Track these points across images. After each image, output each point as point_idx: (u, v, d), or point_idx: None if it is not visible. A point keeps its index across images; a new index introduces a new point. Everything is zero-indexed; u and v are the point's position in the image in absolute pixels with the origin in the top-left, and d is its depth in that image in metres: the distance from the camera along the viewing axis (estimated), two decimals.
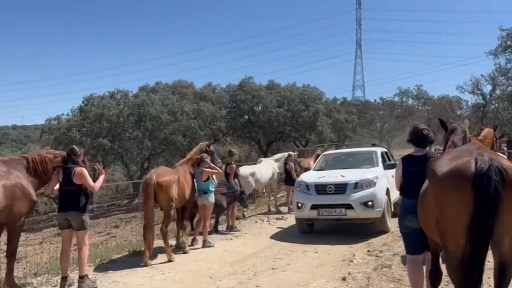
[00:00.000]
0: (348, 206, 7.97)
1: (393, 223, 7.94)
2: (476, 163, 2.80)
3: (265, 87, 28.69)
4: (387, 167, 8.81)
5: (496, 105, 26.05)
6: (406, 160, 4.26)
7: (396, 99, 42.33)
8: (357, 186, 8.06)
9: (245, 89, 27.24)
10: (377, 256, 6.57)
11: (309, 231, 8.76)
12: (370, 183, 8.10)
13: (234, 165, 10.05)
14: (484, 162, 2.77)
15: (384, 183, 8.41)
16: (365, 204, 7.94)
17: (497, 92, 25.91)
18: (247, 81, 28.28)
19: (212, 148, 8.48)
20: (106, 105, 23.20)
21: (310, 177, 8.98)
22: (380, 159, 9.29)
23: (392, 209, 8.66)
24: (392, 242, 7.38)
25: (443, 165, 3.01)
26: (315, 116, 27.32)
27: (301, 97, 27.84)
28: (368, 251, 6.97)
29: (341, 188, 8.13)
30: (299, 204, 8.46)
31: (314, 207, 8.20)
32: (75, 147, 5.83)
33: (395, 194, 8.50)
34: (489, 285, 4.47)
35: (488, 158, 2.81)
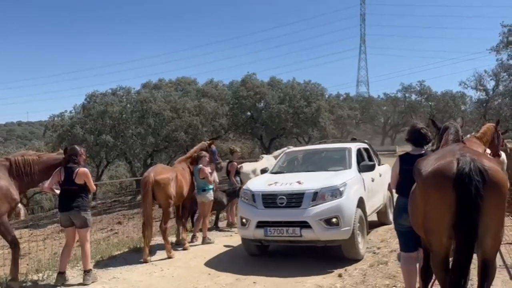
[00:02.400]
0: (304, 225, 5.93)
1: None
2: (458, 164, 2.86)
3: (267, 83, 28.75)
4: (363, 168, 6.95)
5: (499, 100, 25.97)
6: (404, 158, 4.31)
7: (399, 95, 42.25)
8: (316, 196, 6.01)
9: (247, 86, 27.33)
10: (374, 253, 6.62)
11: (259, 254, 6.82)
12: (335, 193, 6.08)
13: (235, 163, 10.11)
14: (466, 163, 2.83)
15: (356, 191, 6.46)
16: (327, 221, 5.91)
17: (500, 88, 25.86)
18: (250, 77, 28.34)
19: (213, 147, 8.53)
20: (109, 102, 23.33)
21: (258, 183, 6.82)
22: (354, 158, 7.18)
23: (367, 226, 6.85)
24: (390, 238, 7.41)
25: (428, 165, 3.08)
26: (317, 112, 27.37)
27: (303, 93, 27.89)
28: (366, 247, 7.00)
29: (295, 199, 6.09)
30: (243, 220, 6.41)
31: (260, 224, 6.16)
32: (76, 147, 5.92)
33: (374, 204, 7.55)
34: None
35: (470, 158, 2.87)
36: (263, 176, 7.59)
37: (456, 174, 2.82)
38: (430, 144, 5.76)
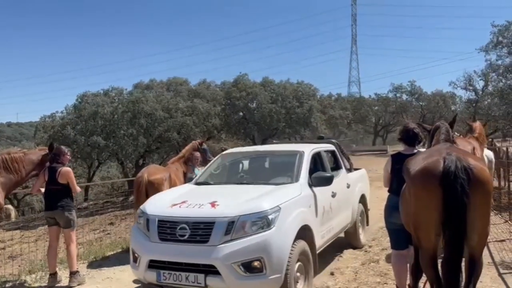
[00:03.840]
0: (212, 270, 4.10)
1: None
2: (444, 162, 2.94)
3: (259, 84, 28.82)
4: (316, 182, 5.12)
5: (489, 100, 26.28)
6: (395, 157, 4.38)
7: (390, 95, 42.53)
8: (233, 227, 4.12)
9: (239, 86, 27.36)
10: (366, 251, 6.72)
11: None
12: (262, 222, 4.18)
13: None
14: (452, 161, 2.92)
15: (296, 217, 4.51)
16: (245, 266, 4.06)
17: (489, 88, 26.15)
18: (242, 78, 28.39)
19: (204, 146, 8.57)
20: (100, 102, 23.21)
21: (160, 202, 4.87)
22: (305, 167, 5.29)
23: (316, 265, 4.97)
24: (381, 237, 7.51)
25: (416, 164, 3.18)
26: (309, 112, 27.49)
27: (295, 93, 28.00)
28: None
29: (202, 231, 4.20)
30: (135, 255, 4.59)
31: (153, 264, 4.37)
32: (61, 147, 5.98)
33: (335, 227, 5.78)
34: None
35: (455, 157, 2.95)
36: (177, 189, 5.73)
37: (442, 172, 2.90)
38: (421, 144, 5.86)
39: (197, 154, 7.96)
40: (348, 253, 6.67)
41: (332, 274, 5.63)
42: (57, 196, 5.55)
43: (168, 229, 4.34)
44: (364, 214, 7.36)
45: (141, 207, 4.92)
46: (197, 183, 5.70)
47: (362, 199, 7.22)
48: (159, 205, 4.74)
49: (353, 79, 69.40)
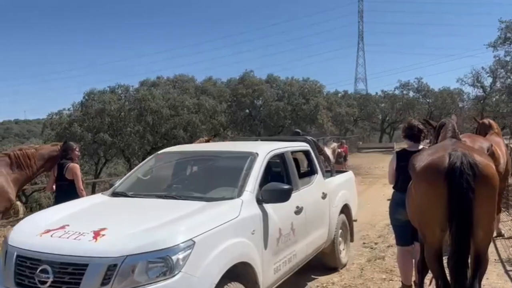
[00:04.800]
0: None
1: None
2: (449, 158, 2.94)
3: (265, 81, 28.81)
4: (268, 196, 3.73)
5: (497, 97, 26.09)
6: (400, 154, 4.38)
7: (397, 92, 42.29)
8: (114, 273, 2.74)
9: (245, 83, 27.37)
10: (372, 248, 6.71)
11: None
12: (162, 265, 2.82)
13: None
14: (457, 157, 2.92)
15: (225, 252, 3.17)
16: None
17: (498, 84, 25.97)
18: (248, 75, 28.39)
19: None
20: (107, 100, 23.34)
21: (31, 226, 3.37)
22: (255, 175, 3.92)
23: None
24: (387, 234, 7.50)
25: (421, 160, 3.18)
26: (315, 110, 27.42)
27: (301, 90, 27.95)
28: (363, 243, 7.10)
29: (70, 276, 2.81)
30: None
31: None
32: (71, 143, 6.00)
33: (300, 253, 4.39)
34: None
35: (461, 153, 2.95)
36: (72, 204, 4.10)
37: (448, 168, 2.90)
38: (428, 141, 5.84)
39: None
40: (354, 250, 6.66)
41: (337, 270, 5.64)
42: (66, 192, 5.58)
43: (27, 270, 2.90)
44: (347, 228, 5.87)
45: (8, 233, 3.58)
46: (114, 193, 4.17)
47: (346, 210, 5.76)
48: (27, 230, 3.22)
49: (360, 76, 68.97)
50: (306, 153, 5.34)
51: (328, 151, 15.87)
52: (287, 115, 26.94)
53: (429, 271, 3.94)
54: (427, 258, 3.14)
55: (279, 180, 4.24)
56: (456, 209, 2.84)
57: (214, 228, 3.11)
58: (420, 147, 4.32)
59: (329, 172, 6.09)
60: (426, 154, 3.26)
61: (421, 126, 4.42)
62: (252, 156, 4.12)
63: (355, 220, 6.32)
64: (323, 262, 5.51)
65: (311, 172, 5.25)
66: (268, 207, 3.76)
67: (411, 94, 42.24)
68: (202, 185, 4.28)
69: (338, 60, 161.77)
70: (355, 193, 6.46)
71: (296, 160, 5.11)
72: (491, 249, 3.87)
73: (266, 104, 26.71)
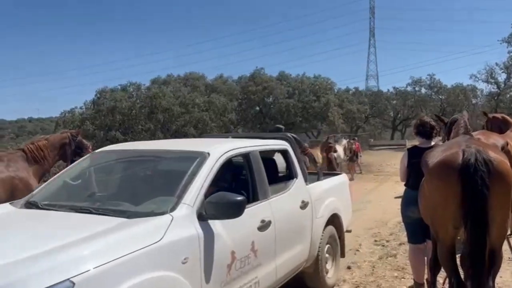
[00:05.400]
0: None
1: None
2: (463, 155, 2.90)
3: (275, 78, 28.78)
4: (215, 210, 2.87)
5: (511, 93, 25.71)
6: (412, 151, 4.34)
7: (409, 88, 41.92)
8: None
9: (256, 81, 27.38)
10: (383, 246, 6.67)
11: None
12: None
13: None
14: (471, 154, 2.87)
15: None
16: None
17: None
18: (258, 72, 28.39)
19: None
20: (118, 98, 23.53)
21: None
22: (200, 182, 3.03)
23: None
24: (399, 232, 7.44)
25: (435, 156, 3.14)
26: (326, 107, 27.33)
27: (312, 87, 27.88)
28: (375, 240, 7.06)
29: None
30: None
31: None
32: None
33: (261, 281, 3.45)
34: None
35: (475, 149, 2.91)
36: None
37: (461, 165, 2.86)
38: (440, 138, 5.77)
39: None
40: (365, 248, 6.63)
41: (349, 268, 5.60)
42: None
43: None
44: (337, 242, 4.95)
45: None
46: (27, 203, 3.36)
47: (335, 220, 4.85)
48: None
49: (371, 72, 68.57)
50: (283, 153, 4.43)
51: (339, 148, 15.88)
52: (297, 112, 26.90)
53: (442, 269, 3.91)
54: (440, 256, 3.10)
55: (241, 187, 3.63)
56: (471, 207, 2.80)
57: (114, 260, 2.25)
58: (432, 144, 4.27)
59: (314, 174, 5.18)
60: (439, 151, 3.21)
61: (433, 123, 4.36)
62: (201, 158, 3.23)
63: (349, 231, 5.52)
64: (304, 283, 4.57)
65: (289, 176, 4.32)
66: (217, 224, 2.91)
67: (423, 90, 41.86)
68: (133, 194, 3.42)
69: (349, 57, 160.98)
70: (349, 199, 5.54)
71: (272, 162, 4.43)
72: (504, 247, 3.81)
73: (277, 102, 26.72)
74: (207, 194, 2.97)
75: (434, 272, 3.86)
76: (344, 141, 17.91)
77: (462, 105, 37.00)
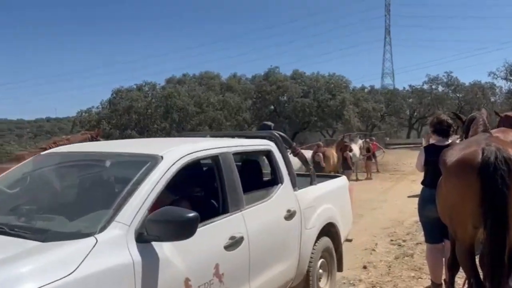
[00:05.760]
0: None
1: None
2: (483, 153, 2.84)
3: (290, 77, 28.70)
4: (159, 230, 2.26)
5: None
6: (428, 149, 4.28)
7: (425, 86, 41.37)
8: None
9: (270, 80, 27.36)
10: (400, 245, 6.60)
11: None
12: None
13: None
14: (491, 152, 2.82)
15: None
16: None
17: None
18: (272, 71, 28.36)
19: None
20: (134, 97, 23.78)
21: None
22: (150, 193, 2.44)
23: None
24: (416, 231, 7.36)
25: (453, 155, 3.09)
26: (341, 105, 27.15)
27: (327, 86, 27.71)
28: (391, 240, 6.99)
29: None
30: None
31: None
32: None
33: None
34: None
35: (495, 148, 2.85)
36: None
37: (481, 163, 2.81)
38: (457, 136, 5.69)
39: None
40: (381, 247, 6.57)
41: (364, 267, 5.56)
42: None
43: None
44: (333, 255, 4.34)
45: None
46: None
47: (331, 230, 4.29)
48: None
49: (387, 70, 67.76)
50: (266, 154, 3.83)
51: (355, 147, 15.76)
52: (312, 111, 26.78)
53: (460, 269, 3.85)
54: (458, 256, 3.05)
55: (206, 197, 3.21)
56: (490, 206, 2.75)
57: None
58: (449, 142, 4.21)
59: (307, 176, 4.53)
60: (457, 149, 3.16)
61: (450, 121, 4.30)
62: (152, 162, 2.63)
63: (350, 240, 4.99)
64: None
65: (273, 181, 3.75)
66: (165, 246, 2.33)
67: (440, 88, 41.25)
68: (69, 207, 2.86)
69: (365, 55, 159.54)
70: (349, 205, 4.94)
71: (255, 165, 3.97)
72: None
73: (291, 100, 26.63)
74: (162, 206, 2.42)
75: (452, 273, 3.81)
76: (360, 141, 17.78)
77: (480, 103, 36.36)
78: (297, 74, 29.57)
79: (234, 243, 2.86)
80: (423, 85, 41.57)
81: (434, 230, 4.09)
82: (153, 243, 2.30)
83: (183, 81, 31.18)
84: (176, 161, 2.71)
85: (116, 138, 22.19)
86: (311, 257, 3.89)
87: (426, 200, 4.08)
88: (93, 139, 6.09)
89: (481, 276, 3.03)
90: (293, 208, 3.68)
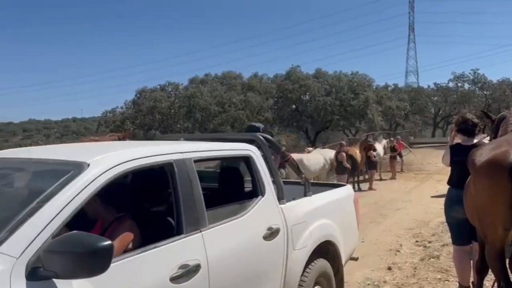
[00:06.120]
0: None
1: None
2: None
3: (312, 75, 28.55)
4: (59, 265, 1.68)
5: None
6: (454, 149, 4.20)
7: (451, 84, 40.52)
8: None
9: (292, 79, 27.29)
10: (425, 247, 6.49)
11: None
12: None
13: (278, 155, 10.13)
14: None
15: None
16: None
17: None
18: (294, 70, 28.27)
19: None
20: (157, 97, 24.11)
21: None
22: (58, 213, 1.86)
23: None
24: (442, 232, 7.22)
25: (483, 155, 3.01)
26: (365, 104, 26.85)
27: (350, 84, 27.45)
28: (416, 241, 6.88)
29: None
30: None
31: None
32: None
33: None
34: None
35: None
36: None
37: None
38: (485, 135, 5.56)
39: None
40: (406, 248, 6.48)
41: (389, 269, 5.49)
42: None
43: None
44: (331, 279, 3.69)
45: None
46: None
47: (330, 249, 3.66)
48: None
49: (411, 68, 66.65)
50: (245, 161, 3.18)
51: (378, 146, 15.57)
52: (335, 110, 26.57)
53: (489, 272, 3.76)
54: (488, 259, 2.97)
55: (152, 215, 2.64)
56: None
57: None
58: (474, 141, 4.12)
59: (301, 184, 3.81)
60: (487, 149, 3.08)
61: (475, 120, 4.20)
62: (75, 171, 2.10)
63: (355, 259, 4.34)
64: None
65: (252, 193, 3.13)
66: (75, 284, 1.80)
67: (466, 86, 40.34)
68: None
69: (388, 52, 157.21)
70: (353, 219, 4.22)
71: (235, 173, 3.39)
72: None
73: (313, 100, 26.48)
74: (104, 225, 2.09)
75: (481, 276, 3.72)
76: (384, 141, 17.55)
77: (508, 101, 35.41)
78: (320, 73, 29.39)
79: (185, 273, 2.28)
80: (448, 82, 40.77)
81: (462, 231, 4.01)
82: (56, 280, 1.73)
83: (205, 81, 31.41)
84: (107, 170, 2.13)
85: (140, 139, 22.56)
86: (300, 285, 3.22)
87: (453, 201, 4.00)
88: (120, 140, 6.18)
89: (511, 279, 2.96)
90: (276, 225, 3.08)
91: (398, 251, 6.34)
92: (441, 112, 44.35)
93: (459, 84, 40.24)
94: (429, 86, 44.38)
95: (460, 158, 4.05)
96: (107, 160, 2.21)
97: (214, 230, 2.58)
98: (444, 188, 4.37)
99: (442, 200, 4.30)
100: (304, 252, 3.27)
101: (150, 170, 2.48)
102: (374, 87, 31.37)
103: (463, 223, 3.81)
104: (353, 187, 12.88)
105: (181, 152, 2.61)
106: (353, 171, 12.63)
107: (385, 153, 16.63)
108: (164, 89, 26.32)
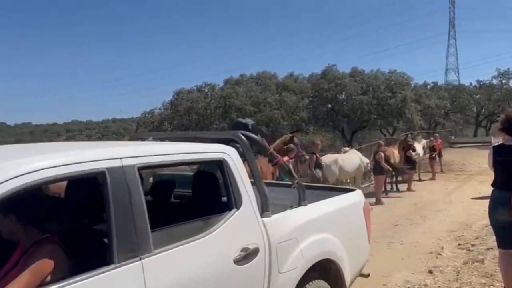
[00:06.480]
0: None
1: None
2: None
3: (348, 74, 28.16)
4: None
5: None
6: (498, 149, 4.08)
7: (495, 81, 38.96)
8: None
9: (327, 78, 27.02)
10: (468, 250, 6.29)
11: None
12: None
13: (314, 156, 10.10)
14: None
15: None
16: None
17: None
18: (330, 69, 27.99)
19: (296, 140, 8.58)
20: (194, 98, 24.51)
21: None
22: None
23: None
24: (486, 235, 6.99)
25: None
26: (403, 103, 26.23)
27: (387, 83, 26.89)
28: (459, 244, 6.69)
29: None
30: None
31: None
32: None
33: None
34: None
35: None
36: None
37: None
38: None
39: (293, 147, 7.95)
40: (447, 251, 6.31)
41: (430, 272, 5.37)
42: None
43: None
44: None
45: None
46: None
47: (332, 268, 3.16)
48: None
49: (451, 65, 64.53)
50: (219, 166, 2.63)
51: (418, 146, 15.17)
52: (372, 109, 26.11)
53: None
54: None
55: (76, 240, 2.12)
56: None
57: None
58: None
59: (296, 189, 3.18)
60: None
61: None
62: None
63: (366, 276, 3.77)
64: None
65: (225, 205, 2.59)
66: None
67: (511, 83, 38.67)
68: None
69: (427, 49, 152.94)
70: (363, 231, 3.61)
71: (210, 180, 2.88)
72: None
73: (350, 99, 26.11)
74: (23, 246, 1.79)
75: None
76: (424, 141, 17.08)
77: None
78: (356, 71, 28.93)
79: None
80: (492, 79, 39.22)
81: (508, 235, 3.89)
82: None
83: (240, 82, 31.59)
84: (10, 180, 1.68)
85: None
86: None
87: (497, 203, 3.89)
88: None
89: None
90: (255, 244, 2.54)
91: (440, 254, 6.19)
92: (484, 110, 42.72)
93: (503, 81, 38.65)
94: (471, 84, 42.87)
95: (504, 158, 3.93)
96: (13, 167, 1.72)
97: (162, 256, 2.05)
98: (487, 189, 4.25)
99: (485, 202, 4.19)
100: (293, 275, 2.73)
101: (81, 181, 2.03)
102: (412, 85, 30.56)
103: (508, 226, 3.71)
104: (391, 188, 12.73)
105: (119, 158, 2.06)
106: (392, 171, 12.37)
107: (424, 153, 16.20)
108: (201, 90, 26.72)
